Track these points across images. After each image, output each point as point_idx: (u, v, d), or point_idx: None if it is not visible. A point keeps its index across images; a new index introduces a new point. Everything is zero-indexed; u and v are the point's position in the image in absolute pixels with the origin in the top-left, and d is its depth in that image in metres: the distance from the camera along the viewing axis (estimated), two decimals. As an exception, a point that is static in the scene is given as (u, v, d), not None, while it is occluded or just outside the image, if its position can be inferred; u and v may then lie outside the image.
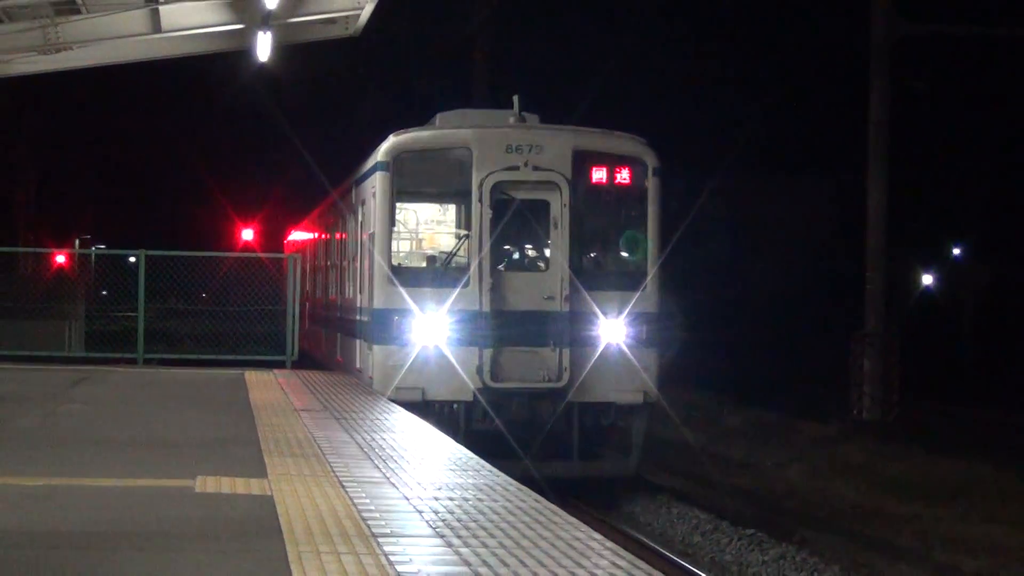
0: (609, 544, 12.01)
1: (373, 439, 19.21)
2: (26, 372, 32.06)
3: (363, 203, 30.95)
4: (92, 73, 38.96)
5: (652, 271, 27.87)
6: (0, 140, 66.48)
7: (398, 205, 28.22)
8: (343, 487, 14.67)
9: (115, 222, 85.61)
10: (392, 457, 17.30)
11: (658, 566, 12.13)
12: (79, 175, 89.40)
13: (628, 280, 27.94)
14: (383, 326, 27.52)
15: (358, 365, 30.81)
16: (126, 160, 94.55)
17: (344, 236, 36.06)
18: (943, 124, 65.65)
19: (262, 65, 35.73)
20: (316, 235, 46.51)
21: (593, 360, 27.17)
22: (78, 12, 32.76)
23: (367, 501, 13.77)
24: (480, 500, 14.08)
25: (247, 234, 69.83)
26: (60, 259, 49.81)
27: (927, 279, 74.50)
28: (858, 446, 35.67)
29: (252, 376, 31.43)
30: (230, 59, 39.37)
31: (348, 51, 39.85)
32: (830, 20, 60.25)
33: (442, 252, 28.78)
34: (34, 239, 67.26)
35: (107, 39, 34.67)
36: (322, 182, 42.54)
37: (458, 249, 28.13)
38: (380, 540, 11.76)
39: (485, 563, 10.92)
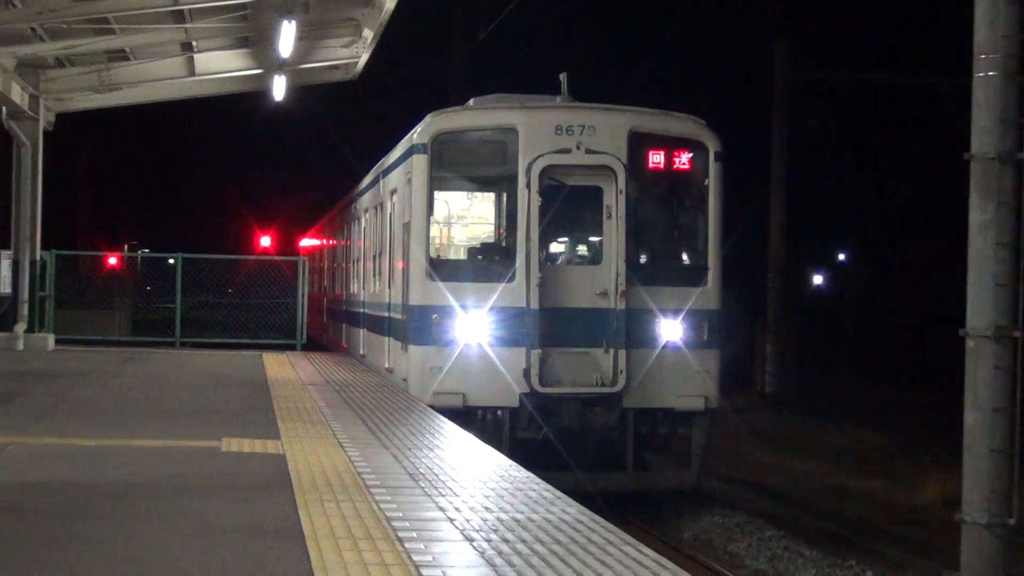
0: (560, 495, 12.03)
1: (367, 407, 19.21)
2: (84, 352, 32.03)
3: (394, 192, 24.60)
4: (138, 108, 38.92)
5: (714, 265, 21.53)
6: (63, 163, 66.30)
7: (437, 192, 21.78)
8: (342, 447, 14.69)
9: (157, 230, 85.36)
10: (384, 422, 17.30)
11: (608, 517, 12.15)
12: (127, 191, 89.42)
13: (688, 275, 21.59)
14: (420, 324, 21.19)
15: (387, 364, 24.66)
16: (166, 179, 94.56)
17: (369, 229, 29.59)
18: (832, 153, 65.87)
19: (278, 103, 35.89)
20: (337, 231, 39.63)
21: (650, 362, 20.98)
22: (127, 59, 32.88)
23: (362, 459, 13.79)
24: (453, 456, 14.11)
25: (265, 240, 69.78)
26: (112, 261, 49.68)
27: (817, 279, 75.09)
28: (761, 414, 35.79)
29: (268, 357, 31.44)
30: (252, 97, 39.29)
31: (349, 89, 39.78)
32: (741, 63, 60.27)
33: (485, 243, 22.43)
34: (91, 244, 67.06)
35: (151, 81, 34.78)
36: (342, 178, 41.95)
37: (503, 240, 21.80)
38: (372, 490, 11.79)
39: (457, 509, 10.96)
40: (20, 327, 32.61)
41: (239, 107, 50.43)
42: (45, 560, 8.90)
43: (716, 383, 21.31)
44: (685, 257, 22.19)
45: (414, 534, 9.85)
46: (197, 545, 9.38)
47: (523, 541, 9.68)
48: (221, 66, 34.33)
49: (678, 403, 21.12)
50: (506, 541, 9.66)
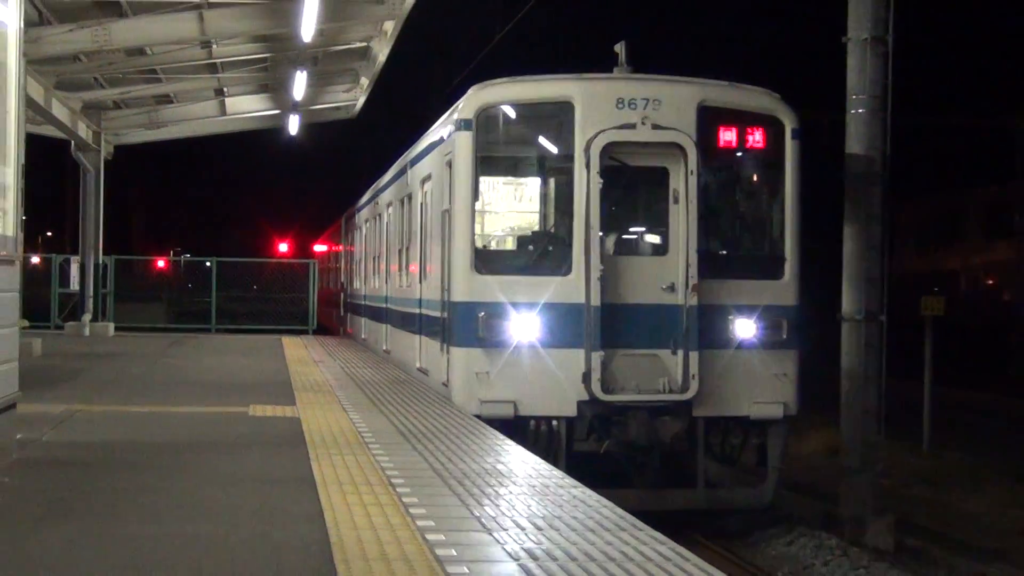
0: (522, 450, 12.02)
1: (366, 380, 19.18)
2: (137, 337, 31.94)
3: (427, 180, 18.68)
4: (181, 141, 38.90)
5: (791, 255, 15.74)
6: (120, 186, 66.21)
7: (482, 174, 15.90)
8: (346, 412, 14.67)
9: (197, 238, 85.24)
10: (381, 391, 17.27)
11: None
12: (173, 207, 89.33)
13: (762, 267, 15.88)
14: (465, 323, 15.43)
15: (419, 364, 18.96)
16: (204, 196, 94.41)
17: (393, 223, 23.43)
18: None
19: (292, 136, 36.03)
20: (353, 230, 33.80)
21: (723, 365, 15.37)
22: (171, 102, 32.91)
23: (362, 421, 13.78)
24: (437, 419, 14.10)
25: (283, 246, 69.80)
26: (160, 263, 49.59)
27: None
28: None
29: (286, 340, 31.38)
30: (272, 132, 39.27)
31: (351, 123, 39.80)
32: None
33: (537, 232, 16.31)
34: (143, 250, 66.94)
35: (190, 120, 34.81)
36: (349, 188, 41.39)
37: (558, 228, 15.86)
38: (369, 446, 11.79)
39: (436, 457, 10.97)
40: (86, 317, 32.72)
41: (262, 139, 50.42)
42: (108, 503, 8.90)
43: (795, 387, 15.73)
44: (759, 247, 16.45)
45: (404, 480, 9.85)
46: (230, 491, 9.38)
47: (490, 486, 9.71)
48: (247, 107, 34.37)
49: (753, 410, 15.53)
50: (477, 486, 9.68)
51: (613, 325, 15.05)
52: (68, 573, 6.89)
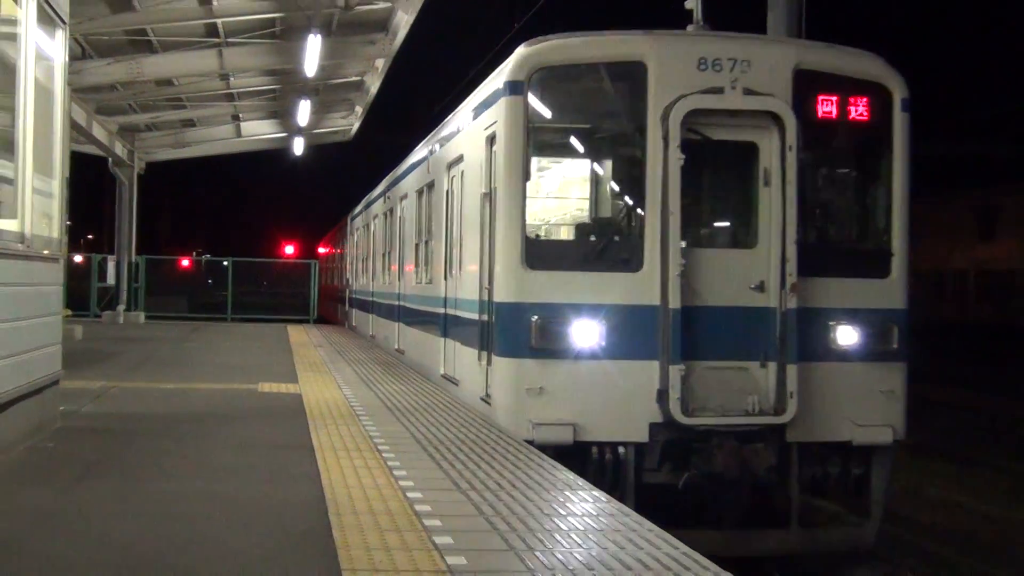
0: (487, 425, 12.04)
1: (357, 360, 19.15)
2: (165, 325, 31.81)
3: (456, 163, 13.89)
4: (202, 159, 38.80)
5: (900, 249, 11.26)
6: (151, 196, 65.94)
7: (535, 150, 10.98)
8: (340, 388, 14.66)
9: (216, 241, 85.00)
10: (369, 370, 17.26)
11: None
12: (195, 214, 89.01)
13: (866, 262, 11.27)
14: (513, 329, 10.74)
15: (446, 372, 14.54)
16: (221, 205, 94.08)
17: (409, 215, 18.75)
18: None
19: (297, 156, 36.04)
20: (361, 228, 28.88)
21: (821, 380, 10.88)
22: (194, 125, 32.85)
23: (353, 396, 13.77)
24: (418, 394, 14.08)
25: (289, 248, 69.64)
26: (184, 263, 49.39)
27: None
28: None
29: (291, 328, 31.32)
30: (280, 152, 39.20)
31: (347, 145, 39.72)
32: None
33: (600, 218, 11.49)
34: (170, 251, 66.72)
35: (210, 141, 34.77)
36: (350, 193, 41.13)
37: (627, 214, 11.10)
38: (360, 418, 11.78)
39: (417, 428, 10.99)
40: (121, 308, 32.68)
41: (271, 157, 50.29)
42: (137, 465, 8.88)
43: (904, 407, 11.22)
44: (862, 239, 11.82)
45: (388, 446, 9.86)
46: (242, 455, 9.38)
47: (463, 452, 9.73)
48: (259, 131, 34.30)
49: (857, 435, 10.97)
50: (451, 452, 9.71)
51: (691, 332, 10.59)
52: (103, 522, 6.89)
